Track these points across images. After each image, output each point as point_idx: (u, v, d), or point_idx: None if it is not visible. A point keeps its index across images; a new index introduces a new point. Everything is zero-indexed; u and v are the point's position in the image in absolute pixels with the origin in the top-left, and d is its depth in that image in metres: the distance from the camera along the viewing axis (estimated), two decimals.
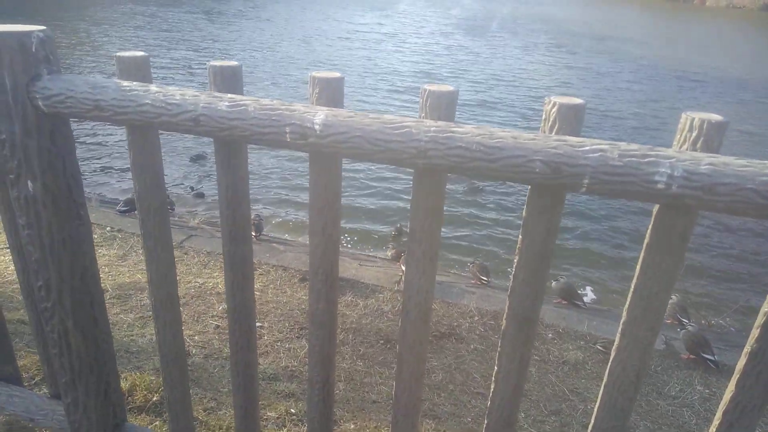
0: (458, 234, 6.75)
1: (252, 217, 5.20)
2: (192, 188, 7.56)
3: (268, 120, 1.14)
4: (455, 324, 3.72)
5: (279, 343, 3.27)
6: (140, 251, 4.35)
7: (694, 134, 0.98)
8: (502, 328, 1.31)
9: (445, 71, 16.03)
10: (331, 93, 1.19)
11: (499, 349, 1.34)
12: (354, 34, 21.99)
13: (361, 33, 22.16)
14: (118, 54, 1.34)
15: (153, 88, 1.25)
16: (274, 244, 4.93)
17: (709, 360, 3.43)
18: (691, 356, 3.51)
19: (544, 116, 1.08)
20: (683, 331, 3.63)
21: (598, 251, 6.58)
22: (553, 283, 4.41)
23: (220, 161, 1.33)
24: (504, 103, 12.62)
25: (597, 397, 1.32)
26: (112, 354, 1.77)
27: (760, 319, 1.09)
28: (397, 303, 3.92)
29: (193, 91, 1.22)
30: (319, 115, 1.12)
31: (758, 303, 5.48)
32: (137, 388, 2.43)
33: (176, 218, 5.57)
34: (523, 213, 1.16)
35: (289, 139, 1.13)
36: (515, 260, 1.20)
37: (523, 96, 13.42)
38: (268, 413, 2.57)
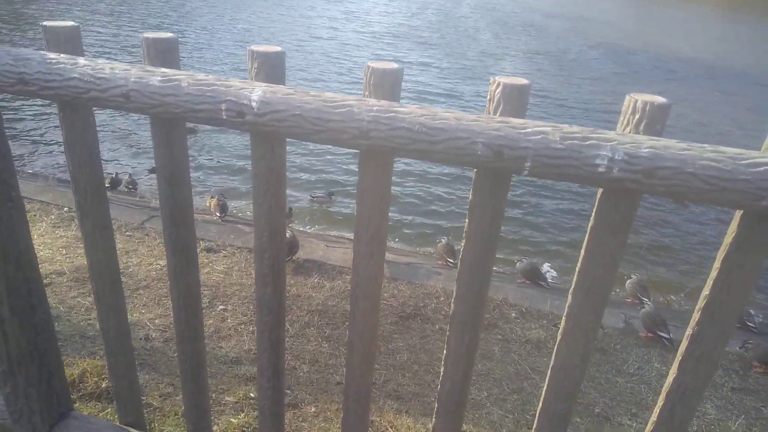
0: (426, 211, 6.75)
1: (217, 197, 5.09)
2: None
3: (202, 96, 1.07)
4: (421, 305, 3.73)
5: (242, 326, 3.22)
6: None
7: (637, 117, 0.96)
8: (451, 311, 1.30)
9: (409, 53, 15.74)
10: (271, 68, 1.13)
11: (447, 332, 1.33)
12: (317, 11, 21.35)
13: (324, 10, 21.57)
14: (45, 23, 1.25)
15: (81, 60, 1.17)
16: (240, 226, 4.84)
17: (665, 338, 3.53)
18: (649, 334, 3.60)
19: (489, 96, 1.04)
20: (642, 310, 3.72)
21: (561, 228, 6.69)
22: (517, 264, 4.46)
23: (157, 138, 1.26)
24: (468, 89, 12.50)
25: None
26: (55, 341, 1.70)
27: (700, 303, 1.10)
28: None
29: (124, 65, 1.15)
30: (257, 92, 1.06)
31: None
32: (88, 375, 2.36)
33: (137, 198, 5.41)
34: (470, 196, 1.13)
35: (225, 117, 1.07)
36: (462, 244, 1.18)
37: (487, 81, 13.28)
38: (227, 398, 2.53)
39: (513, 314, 3.77)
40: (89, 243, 1.46)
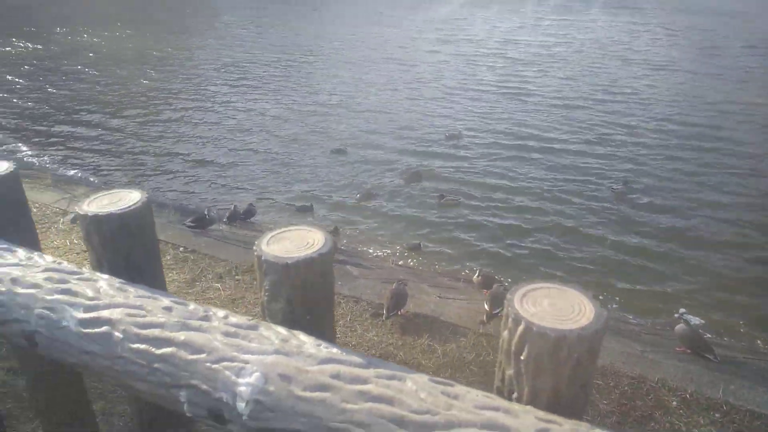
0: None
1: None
2: (308, 205, 6.48)
3: (147, 367, 0.65)
4: None
5: None
6: (210, 276, 4.18)
7: None
8: None
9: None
10: None
11: None
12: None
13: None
14: None
15: None
16: (349, 267, 4.55)
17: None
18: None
19: None
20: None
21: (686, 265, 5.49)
22: (677, 327, 3.57)
23: None
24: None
25: None
26: None
27: None
28: (482, 350, 3.37)
29: None
30: (251, 374, 0.60)
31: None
32: None
33: (252, 232, 5.38)
34: None
35: (188, 412, 0.64)
36: None
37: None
38: None
39: (674, 402, 2.96)
40: None
